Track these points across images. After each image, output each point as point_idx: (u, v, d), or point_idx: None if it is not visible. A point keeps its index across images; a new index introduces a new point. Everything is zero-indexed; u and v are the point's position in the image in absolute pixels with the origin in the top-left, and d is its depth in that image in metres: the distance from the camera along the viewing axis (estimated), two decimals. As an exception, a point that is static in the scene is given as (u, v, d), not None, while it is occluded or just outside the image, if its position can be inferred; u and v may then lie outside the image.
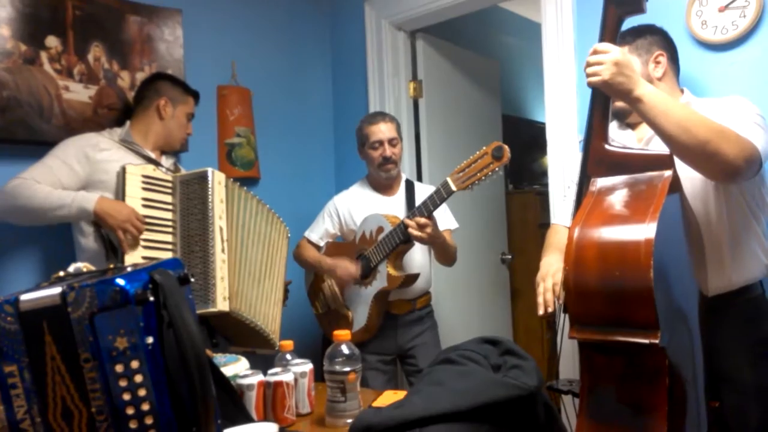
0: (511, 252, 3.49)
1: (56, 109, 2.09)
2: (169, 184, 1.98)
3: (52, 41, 2.09)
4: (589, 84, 1.37)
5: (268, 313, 2.09)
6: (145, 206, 1.90)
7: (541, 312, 1.46)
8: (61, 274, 0.94)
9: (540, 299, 1.47)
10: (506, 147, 1.85)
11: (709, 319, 1.43)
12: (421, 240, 2.08)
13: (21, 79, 2.01)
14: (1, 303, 0.83)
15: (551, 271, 1.51)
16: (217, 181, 1.98)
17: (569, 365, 2.19)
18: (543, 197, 3.06)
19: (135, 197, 1.89)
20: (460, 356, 0.91)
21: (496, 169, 1.87)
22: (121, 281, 0.81)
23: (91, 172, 1.92)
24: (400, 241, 2.11)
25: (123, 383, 0.82)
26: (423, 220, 2.02)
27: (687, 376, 1.23)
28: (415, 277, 2.24)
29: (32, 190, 1.82)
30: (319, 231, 2.47)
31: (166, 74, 2.21)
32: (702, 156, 1.35)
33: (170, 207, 1.97)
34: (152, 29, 2.37)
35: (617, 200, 1.25)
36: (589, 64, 1.37)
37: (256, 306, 2.05)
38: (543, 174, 3.47)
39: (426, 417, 0.78)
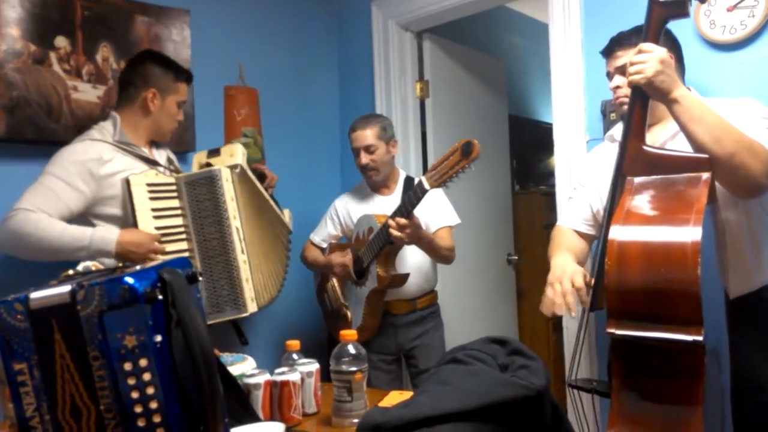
0: (517, 252, 3.49)
1: (65, 108, 2.10)
2: (173, 187, 1.90)
3: (61, 41, 2.10)
4: (632, 82, 1.39)
5: (280, 275, 2.11)
6: (156, 217, 1.83)
7: (559, 312, 1.44)
8: (71, 272, 0.95)
9: (558, 300, 1.44)
10: (476, 142, 1.81)
11: (730, 320, 1.43)
12: (402, 241, 2.05)
13: (30, 79, 2.02)
14: (11, 301, 0.83)
15: (568, 271, 1.48)
16: (225, 178, 1.92)
17: (581, 366, 2.18)
18: (549, 198, 3.05)
19: (145, 209, 1.81)
20: (467, 356, 0.91)
21: (467, 165, 1.84)
22: (130, 280, 0.82)
23: (98, 190, 1.79)
24: (385, 241, 2.10)
25: (131, 381, 0.82)
26: (402, 221, 2.00)
27: (712, 380, 1.22)
28: (404, 277, 2.22)
29: (42, 228, 1.66)
30: (322, 233, 2.51)
31: (155, 54, 2.00)
32: (727, 168, 1.35)
33: (179, 212, 1.90)
34: (160, 29, 2.38)
35: (657, 200, 1.28)
36: (632, 63, 1.39)
37: (272, 282, 2.05)
38: (549, 175, 3.47)
39: (433, 416, 0.78)
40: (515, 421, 0.83)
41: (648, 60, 1.36)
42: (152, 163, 1.94)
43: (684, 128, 1.39)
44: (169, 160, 2.07)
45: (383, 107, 2.94)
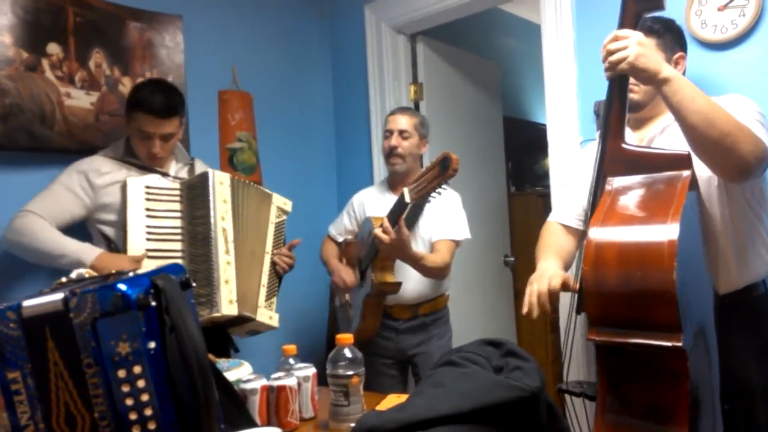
0: (514, 254, 3.49)
1: (58, 115, 2.09)
2: (177, 192, 1.96)
3: (53, 48, 2.10)
4: (616, 70, 1.32)
5: (259, 299, 2.03)
6: (149, 216, 1.89)
7: (525, 311, 1.47)
8: (64, 280, 0.95)
9: (527, 299, 1.47)
10: (454, 157, 1.76)
11: (719, 318, 1.43)
12: (384, 247, 2.00)
13: (23, 86, 2.02)
14: (3, 309, 0.83)
15: (548, 273, 1.50)
16: (219, 181, 1.94)
17: (575, 367, 2.19)
18: (545, 199, 3.05)
19: (137, 209, 1.87)
20: (461, 358, 0.91)
21: (445, 181, 1.80)
22: (122, 286, 0.82)
23: (95, 197, 1.91)
24: (377, 248, 2.08)
25: (125, 388, 0.82)
26: (387, 227, 1.96)
27: (703, 378, 1.22)
28: (395, 285, 2.16)
29: (37, 230, 1.81)
30: (339, 227, 2.52)
31: (143, 82, 2.08)
32: (718, 150, 1.32)
33: (179, 215, 1.94)
34: (153, 35, 2.37)
35: (636, 200, 1.25)
36: (610, 52, 1.32)
37: (260, 296, 2.01)
38: (544, 176, 3.47)
39: (428, 419, 0.77)
40: (510, 423, 0.83)
41: (628, 44, 1.30)
42: (158, 172, 2.00)
43: (675, 109, 1.34)
44: (191, 170, 2.08)
45: (377, 110, 2.94)
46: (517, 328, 3.56)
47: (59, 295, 0.83)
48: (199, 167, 2.12)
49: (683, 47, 1.65)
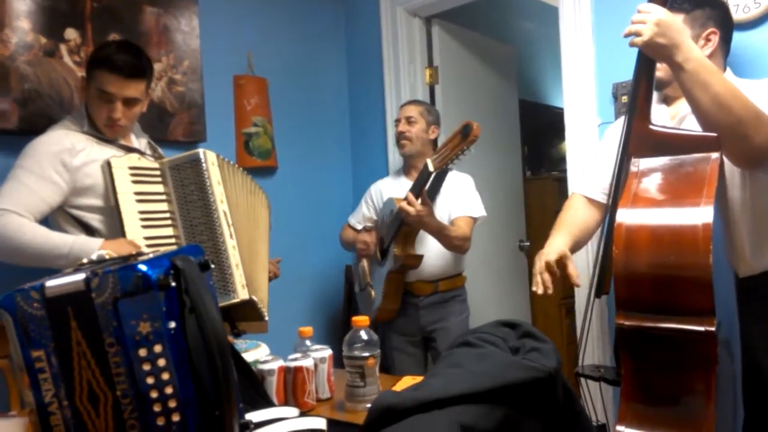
0: (530, 239, 3.48)
1: (76, 100, 2.11)
2: (158, 172, 1.82)
3: (71, 33, 2.11)
4: (630, 45, 1.34)
5: (265, 291, 1.96)
6: (139, 201, 1.76)
7: (539, 291, 1.51)
8: (85, 261, 0.96)
9: (537, 278, 1.52)
10: (475, 124, 1.85)
11: (739, 301, 1.41)
12: (409, 216, 2.08)
13: (41, 71, 2.04)
14: (27, 289, 0.84)
15: (546, 251, 1.54)
16: (211, 162, 1.82)
17: (590, 351, 2.18)
18: (561, 183, 3.04)
19: (127, 193, 1.74)
20: (478, 339, 0.91)
21: (467, 147, 1.90)
22: (143, 267, 0.83)
23: (73, 181, 1.74)
24: (401, 221, 2.15)
25: (146, 367, 0.83)
26: (412, 198, 2.06)
27: (725, 365, 1.20)
28: (418, 258, 2.26)
29: (23, 233, 1.63)
30: (357, 215, 2.61)
31: (109, 41, 1.96)
32: (731, 136, 1.30)
33: (164, 197, 1.82)
34: (169, 20, 2.38)
35: (665, 182, 1.23)
36: (632, 22, 1.33)
37: (261, 287, 1.94)
38: (561, 160, 3.44)
39: (445, 398, 0.78)
40: (527, 403, 0.84)
41: (645, 21, 1.29)
42: (132, 150, 1.88)
43: (687, 95, 1.33)
44: (152, 147, 2.01)
45: (392, 94, 2.93)
46: (533, 312, 3.56)
47: (81, 276, 0.84)
48: (150, 140, 2.02)
49: (720, 24, 1.60)
